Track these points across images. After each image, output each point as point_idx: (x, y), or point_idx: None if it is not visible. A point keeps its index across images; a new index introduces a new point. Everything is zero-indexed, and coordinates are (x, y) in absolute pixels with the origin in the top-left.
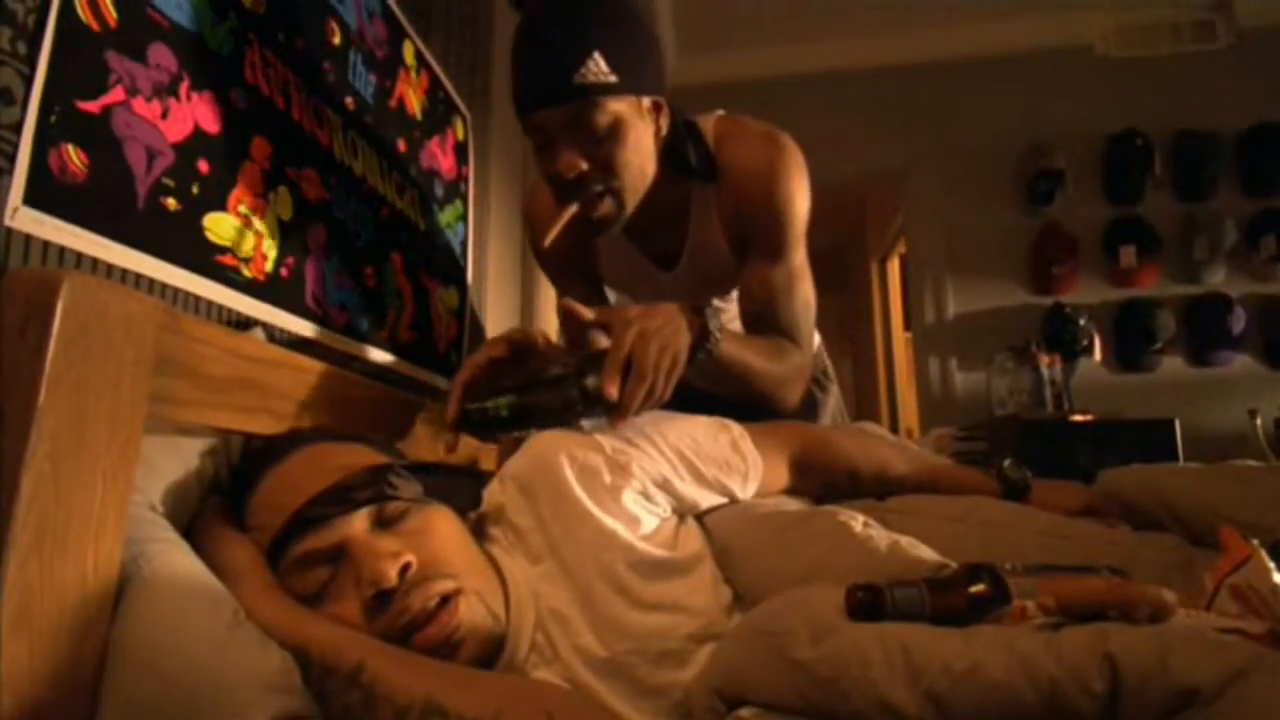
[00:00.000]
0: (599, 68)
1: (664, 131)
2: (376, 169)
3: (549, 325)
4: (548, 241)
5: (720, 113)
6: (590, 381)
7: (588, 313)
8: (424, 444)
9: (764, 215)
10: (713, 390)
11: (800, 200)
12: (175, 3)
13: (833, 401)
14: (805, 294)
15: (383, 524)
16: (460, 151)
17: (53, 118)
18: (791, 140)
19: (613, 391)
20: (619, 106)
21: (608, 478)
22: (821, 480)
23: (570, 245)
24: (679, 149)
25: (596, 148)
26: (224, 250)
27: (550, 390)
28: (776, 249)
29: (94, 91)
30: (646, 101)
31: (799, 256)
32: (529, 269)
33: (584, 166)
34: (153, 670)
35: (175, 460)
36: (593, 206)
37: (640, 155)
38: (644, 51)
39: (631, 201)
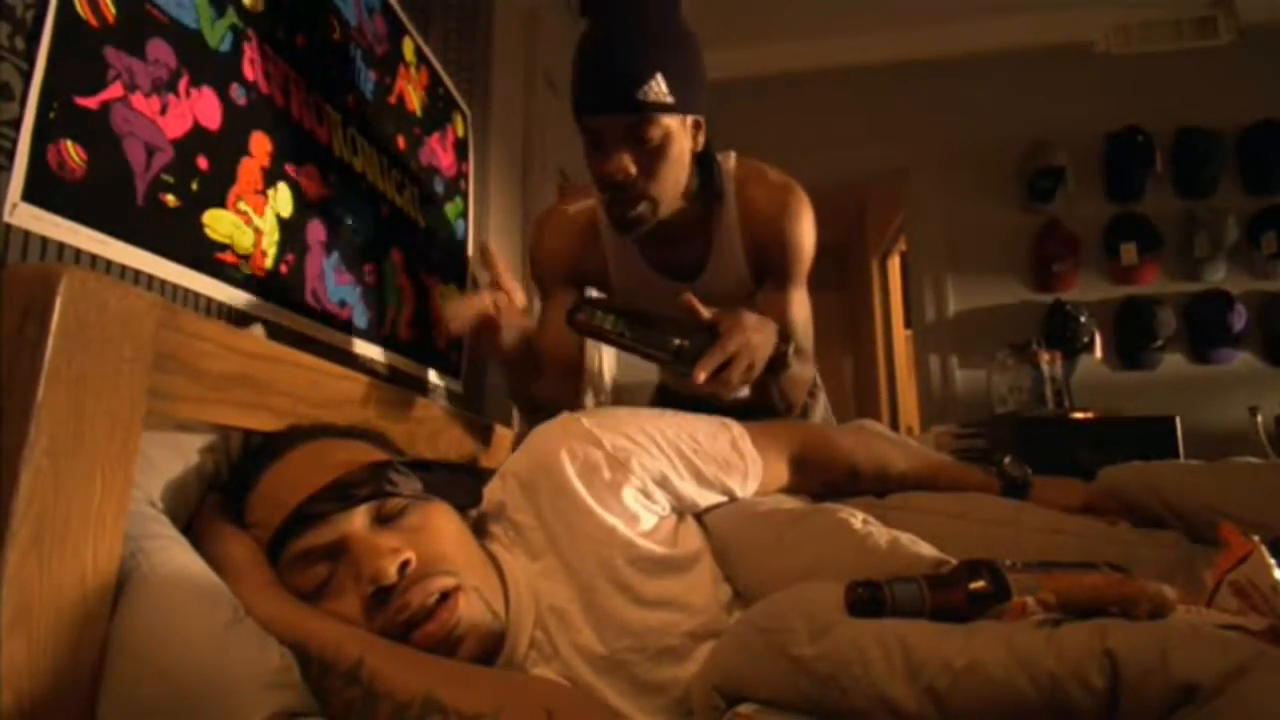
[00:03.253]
0: (660, 88)
1: (699, 147)
2: (376, 166)
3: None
4: (573, 209)
5: (733, 153)
6: (690, 346)
7: (706, 311)
8: (423, 441)
9: (782, 251)
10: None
11: (810, 240)
12: None
13: (820, 409)
14: (807, 315)
15: (382, 520)
16: (460, 148)
17: (51, 114)
18: (801, 188)
19: (702, 376)
20: (670, 123)
21: (608, 474)
22: (821, 478)
23: (574, 254)
24: (706, 165)
25: (645, 156)
26: (223, 247)
27: (658, 332)
28: (790, 279)
29: (93, 87)
30: (690, 119)
31: (804, 286)
32: (529, 266)
33: (633, 171)
34: (152, 667)
35: (174, 456)
36: (631, 205)
37: (679, 167)
38: (696, 75)
39: (665, 207)
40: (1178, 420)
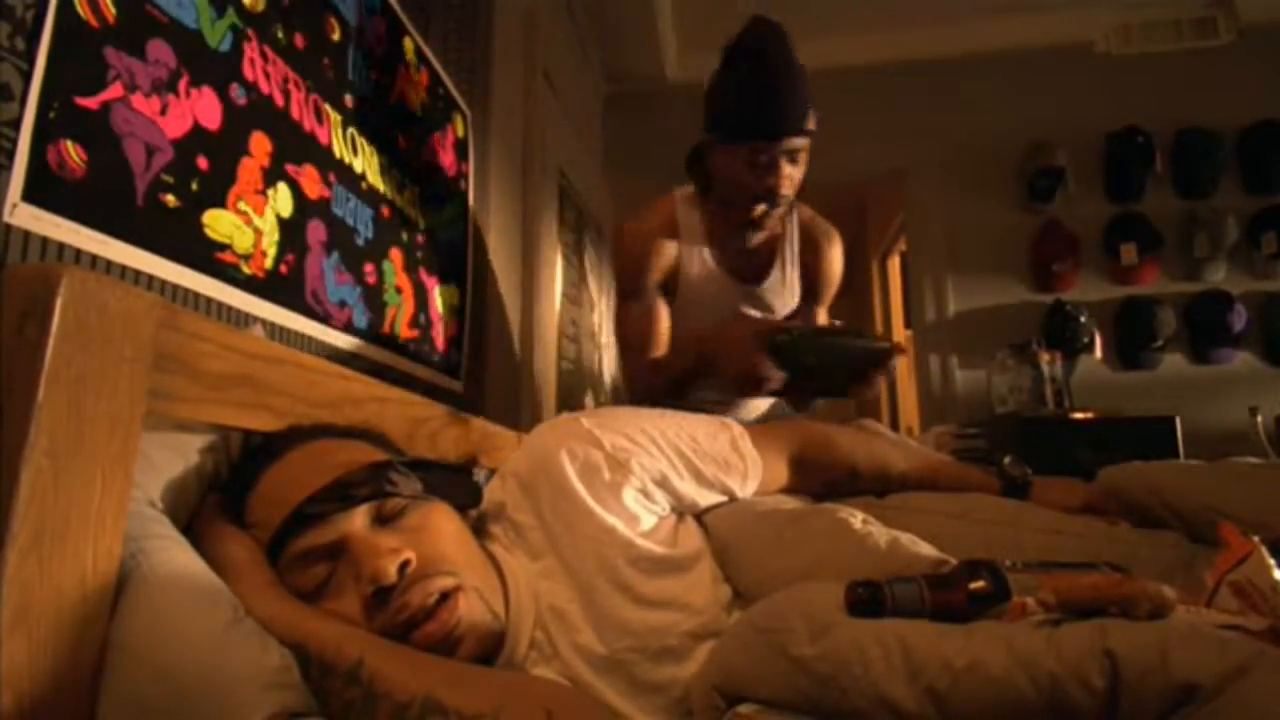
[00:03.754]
0: (812, 119)
1: None
2: (376, 166)
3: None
4: (653, 219)
5: None
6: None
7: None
8: (423, 441)
9: (824, 277)
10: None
11: (841, 274)
12: None
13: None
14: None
15: (382, 520)
16: (460, 149)
17: (51, 114)
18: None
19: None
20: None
21: (608, 475)
22: (821, 478)
23: (656, 261)
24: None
25: (796, 171)
26: (223, 247)
27: (850, 348)
28: (822, 301)
29: (93, 88)
30: None
31: (828, 308)
32: (529, 266)
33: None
34: (152, 667)
35: (174, 457)
36: (773, 209)
37: None
38: None
39: None
40: (1178, 420)
